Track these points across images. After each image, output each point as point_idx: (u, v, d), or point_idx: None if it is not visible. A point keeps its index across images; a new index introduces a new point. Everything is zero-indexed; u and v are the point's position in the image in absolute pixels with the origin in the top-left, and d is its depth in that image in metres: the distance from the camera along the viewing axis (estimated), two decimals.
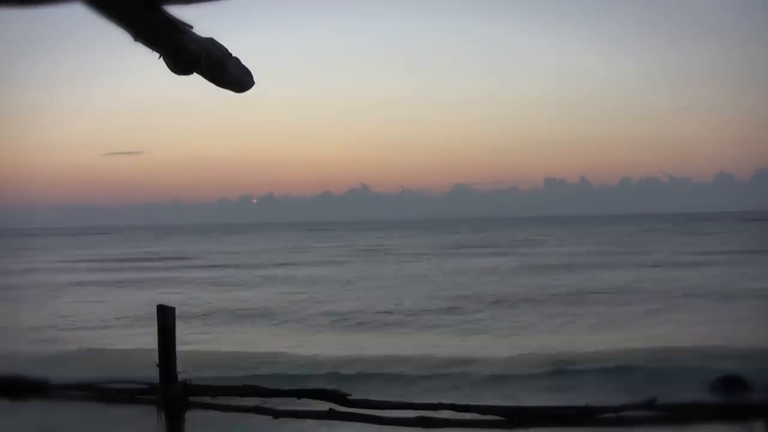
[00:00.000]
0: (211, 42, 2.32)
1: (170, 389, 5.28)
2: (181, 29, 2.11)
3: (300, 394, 5.23)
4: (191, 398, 5.37)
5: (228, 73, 2.40)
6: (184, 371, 5.60)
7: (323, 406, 5.09)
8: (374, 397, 5.29)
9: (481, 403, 5.06)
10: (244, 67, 2.49)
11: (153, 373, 5.51)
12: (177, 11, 1.98)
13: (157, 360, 5.46)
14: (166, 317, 5.47)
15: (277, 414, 5.19)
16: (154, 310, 5.66)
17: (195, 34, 2.21)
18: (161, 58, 2.18)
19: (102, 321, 27.65)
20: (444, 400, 5.02)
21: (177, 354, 5.49)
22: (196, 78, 2.33)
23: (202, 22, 2.16)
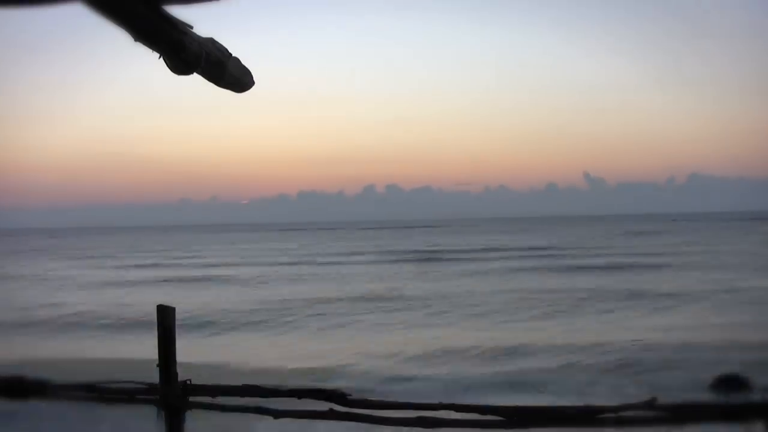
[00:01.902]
0: (211, 42, 2.32)
1: (170, 389, 5.28)
2: (181, 29, 2.11)
3: (300, 394, 5.22)
4: (191, 398, 5.37)
5: (228, 73, 2.40)
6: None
7: (323, 406, 5.08)
8: (374, 397, 5.29)
9: (481, 403, 5.06)
10: (244, 67, 2.48)
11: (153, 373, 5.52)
12: (177, 11, 1.98)
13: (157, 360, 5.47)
14: (166, 317, 5.47)
15: (277, 414, 5.19)
16: None
17: (195, 34, 2.21)
18: (161, 58, 2.18)
19: None
20: (444, 400, 5.02)
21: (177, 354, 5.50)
22: (196, 78, 2.33)
23: (202, 22, 2.16)
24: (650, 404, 4.34)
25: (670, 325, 23.38)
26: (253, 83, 2.54)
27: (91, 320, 28.66)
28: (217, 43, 2.35)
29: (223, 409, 5.44)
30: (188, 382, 5.37)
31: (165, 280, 46.20)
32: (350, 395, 4.99)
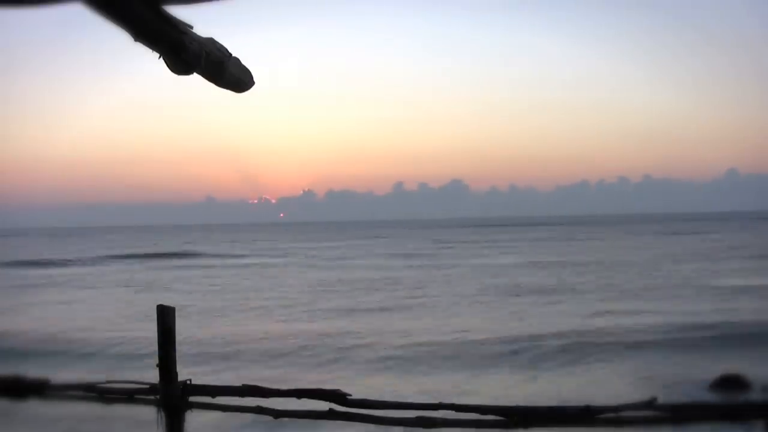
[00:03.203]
0: (211, 42, 2.32)
1: (170, 389, 5.28)
2: (181, 29, 2.11)
3: (300, 394, 5.22)
4: (191, 398, 5.36)
5: (228, 73, 2.40)
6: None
7: (323, 406, 5.09)
8: (374, 397, 5.29)
9: (481, 403, 5.06)
10: (244, 67, 2.48)
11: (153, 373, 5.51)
12: (177, 11, 1.98)
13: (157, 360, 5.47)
14: (166, 317, 5.47)
15: (277, 414, 5.19)
16: None
17: (195, 34, 2.21)
18: (161, 58, 2.18)
19: None
20: (444, 401, 5.02)
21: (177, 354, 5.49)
22: (196, 78, 2.33)
23: (202, 22, 2.17)
24: (650, 404, 4.34)
25: None
26: (253, 83, 2.53)
27: None
28: (217, 43, 2.35)
29: (223, 409, 5.43)
30: (188, 382, 5.37)
31: None
32: (350, 395, 4.99)
